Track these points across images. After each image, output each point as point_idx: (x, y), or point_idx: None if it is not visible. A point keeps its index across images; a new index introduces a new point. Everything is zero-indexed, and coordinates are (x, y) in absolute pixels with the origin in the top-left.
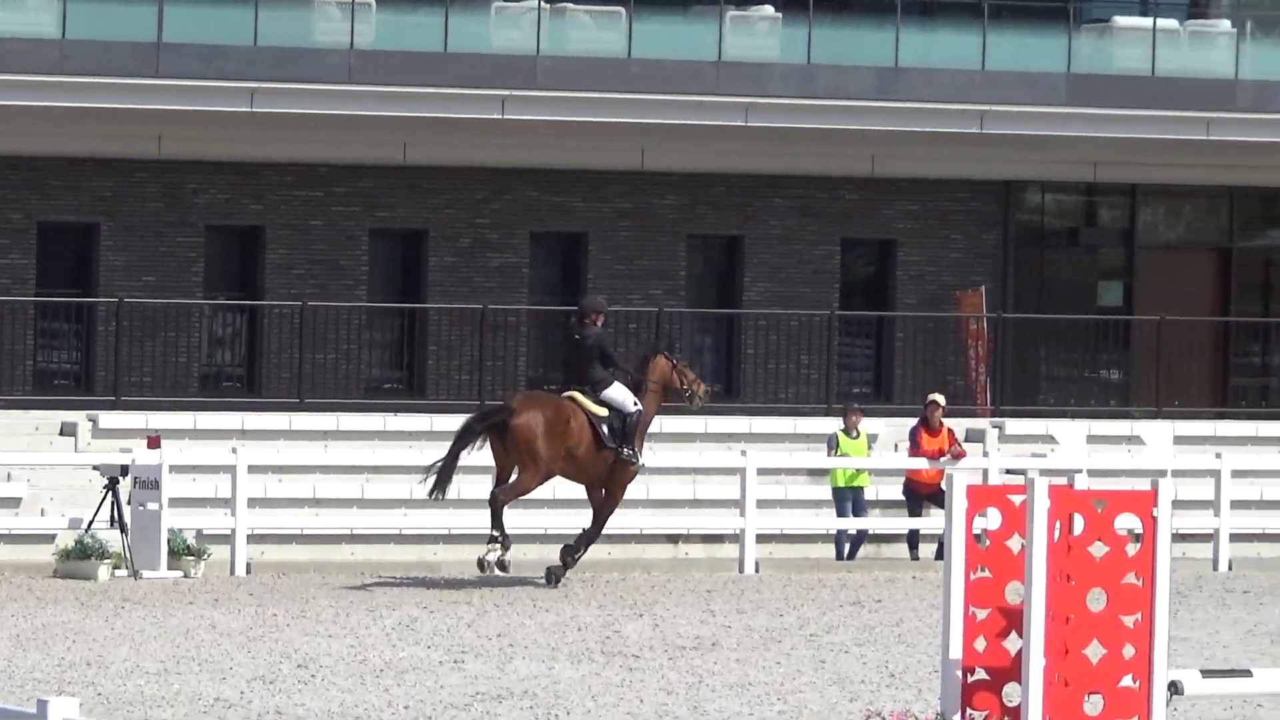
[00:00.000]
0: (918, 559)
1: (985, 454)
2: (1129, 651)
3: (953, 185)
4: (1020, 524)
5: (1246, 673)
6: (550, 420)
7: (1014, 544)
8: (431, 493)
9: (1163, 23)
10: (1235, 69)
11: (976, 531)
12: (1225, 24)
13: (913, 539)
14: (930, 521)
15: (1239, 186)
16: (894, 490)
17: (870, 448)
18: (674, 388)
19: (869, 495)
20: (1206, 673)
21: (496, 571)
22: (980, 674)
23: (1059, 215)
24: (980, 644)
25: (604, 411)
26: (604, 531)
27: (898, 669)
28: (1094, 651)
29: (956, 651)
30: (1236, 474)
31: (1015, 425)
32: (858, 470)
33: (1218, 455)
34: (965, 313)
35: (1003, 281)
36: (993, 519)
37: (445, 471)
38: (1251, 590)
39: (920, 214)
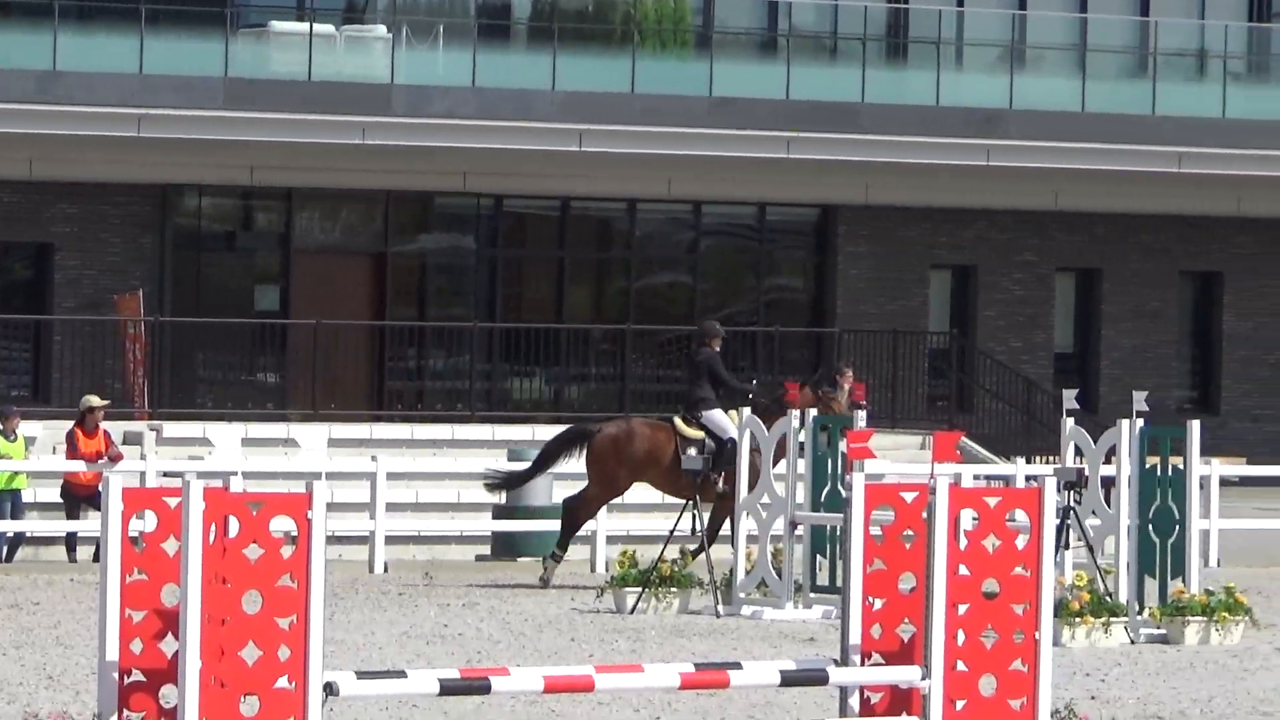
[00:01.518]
0: (76, 561)
1: (143, 457)
2: (285, 653)
3: (111, 189)
4: (176, 526)
5: (401, 674)
6: (625, 439)
7: (170, 546)
8: (496, 490)
9: (320, 28)
10: (391, 74)
11: (133, 534)
12: (381, 29)
13: (71, 542)
14: (88, 524)
15: (394, 190)
16: (52, 493)
17: (28, 450)
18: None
19: (27, 498)
20: (361, 674)
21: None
22: (137, 675)
23: (217, 219)
24: (137, 646)
25: (698, 434)
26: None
27: (56, 671)
28: (250, 653)
29: (113, 654)
30: (392, 476)
31: (173, 428)
32: (15, 473)
33: (373, 458)
34: (123, 316)
35: (160, 285)
36: (149, 521)
37: (515, 480)
38: (406, 593)
39: (79, 217)
